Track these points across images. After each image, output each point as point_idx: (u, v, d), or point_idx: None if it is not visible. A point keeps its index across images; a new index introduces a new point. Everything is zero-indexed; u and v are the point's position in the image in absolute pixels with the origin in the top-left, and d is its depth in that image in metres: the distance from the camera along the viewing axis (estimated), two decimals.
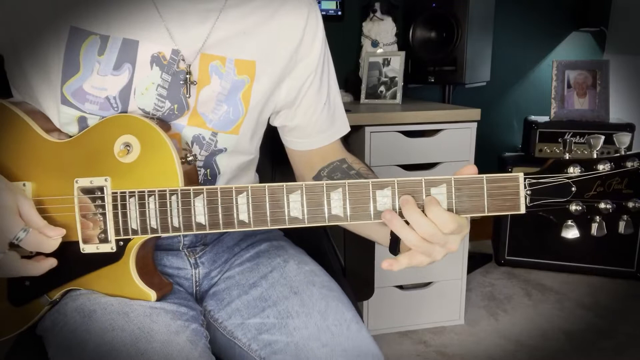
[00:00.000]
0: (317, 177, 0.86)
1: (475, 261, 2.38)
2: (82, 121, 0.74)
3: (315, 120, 0.87)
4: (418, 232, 0.61)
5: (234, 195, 0.66)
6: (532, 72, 2.59)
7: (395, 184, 0.63)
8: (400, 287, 1.86)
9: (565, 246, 2.27)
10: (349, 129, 0.93)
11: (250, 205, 0.65)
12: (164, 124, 0.75)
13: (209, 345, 0.73)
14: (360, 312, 0.83)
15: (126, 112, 0.74)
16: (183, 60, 0.74)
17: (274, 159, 1.15)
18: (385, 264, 0.64)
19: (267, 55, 0.79)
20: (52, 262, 0.69)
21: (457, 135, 1.75)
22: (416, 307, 1.89)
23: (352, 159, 0.87)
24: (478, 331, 1.90)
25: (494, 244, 2.45)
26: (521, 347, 1.79)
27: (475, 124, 1.76)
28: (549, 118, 2.24)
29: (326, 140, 0.89)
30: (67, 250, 0.70)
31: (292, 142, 0.90)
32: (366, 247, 1.07)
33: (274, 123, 0.89)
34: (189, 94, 0.75)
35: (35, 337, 0.76)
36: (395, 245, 0.70)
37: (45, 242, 0.66)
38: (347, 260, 1.06)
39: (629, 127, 2.11)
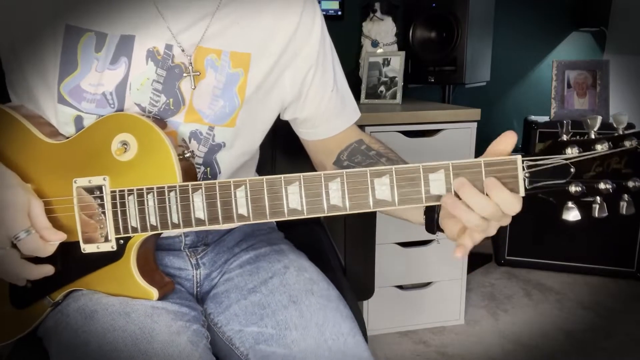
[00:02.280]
0: (338, 162, 0.86)
1: (475, 261, 2.38)
2: (78, 121, 0.74)
3: (324, 107, 0.87)
4: (480, 213, 0.60)
5: (232, 190, 0.66)
6: (532, 72, 2.59)
7: (394, 172, 0.62)
8: (400, 287, 1.86)
9: (565, 246, 2.27)
10: (359, 115, 0.93)
11: (249, 198, 0.65)
12: (160, 121, 0.75)
13: (209, 346, 0.73)
14: (360, 312, 0.83)
15: (122, 108, 0.74)
16: (183, 50, 0.74)
17: (273, 157, 1.14)
18: (460, 254, 0.63)
19: (262, 47, 0.78)
20: (49, 270, 0.70)
21: (457, 135, 1.75)
22: (416, 307, 1.89)
23: (369, 139, 0.87)
24: (478, 331, 1.90)
25: (494, 244, 2.45)
26: (521, 347, 1.79)
27: (475, 124, 1.76)
28: (549, 118, 2.24)
29: (341, 126, 0.89)
30: (68, 251, 0.70)
31: (308, 134, 0.90)
32: (366, 247, 1.07)
33: (285, 117, 0.89)
34: (194, 86, 0.75)
35: (36, 339, 0.76)
36: (432, 225, 0.71)
37: (42, 248, 0.67)
38: (347, 260, 1.06)
39: (629, 127, 2.10)
